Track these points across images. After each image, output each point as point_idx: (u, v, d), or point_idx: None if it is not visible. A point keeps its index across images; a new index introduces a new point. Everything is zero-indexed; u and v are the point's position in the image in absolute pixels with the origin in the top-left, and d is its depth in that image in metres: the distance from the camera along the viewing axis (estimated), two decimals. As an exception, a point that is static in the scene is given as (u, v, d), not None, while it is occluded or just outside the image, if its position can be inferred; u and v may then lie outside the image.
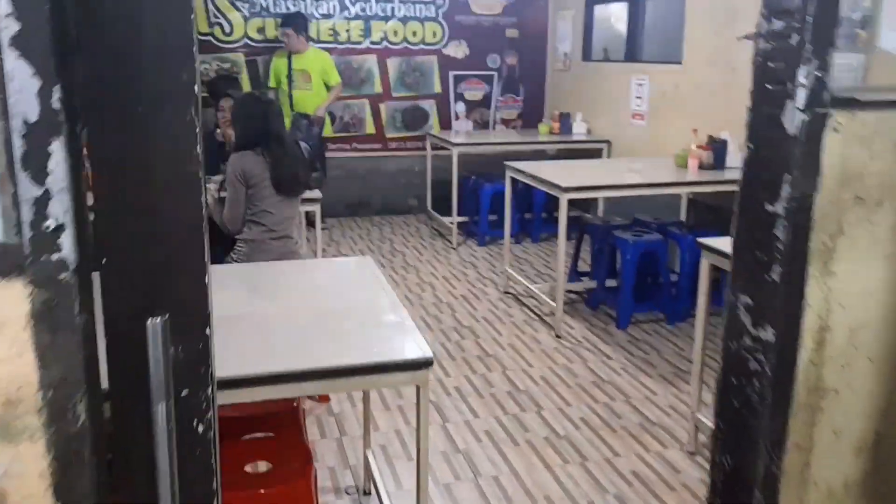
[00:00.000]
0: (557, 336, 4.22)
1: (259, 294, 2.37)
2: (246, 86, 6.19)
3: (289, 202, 3.28)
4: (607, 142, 6.14)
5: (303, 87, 5.88)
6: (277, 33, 6.09)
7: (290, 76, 5.86)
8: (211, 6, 6.14)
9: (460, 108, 7.03)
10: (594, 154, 6.24)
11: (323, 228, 6.47)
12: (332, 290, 2.41)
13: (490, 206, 6.00)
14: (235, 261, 3.17)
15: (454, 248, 5.99)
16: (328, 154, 6.74)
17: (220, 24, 6.19)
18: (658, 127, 5.48)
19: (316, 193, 3.94)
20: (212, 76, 6.06)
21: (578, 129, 6.39)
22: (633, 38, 6.05)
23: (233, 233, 3.20)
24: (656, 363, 3.91)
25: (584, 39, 6.57)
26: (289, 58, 5.87)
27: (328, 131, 6.34)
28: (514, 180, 4.81)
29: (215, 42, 6.21)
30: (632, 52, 6.06)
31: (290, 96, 5.86)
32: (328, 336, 2.00)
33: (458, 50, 6.92)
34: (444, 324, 4.38)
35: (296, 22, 5.90)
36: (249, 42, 6.30)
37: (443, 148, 6.28)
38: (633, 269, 4.34)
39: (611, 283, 4.69)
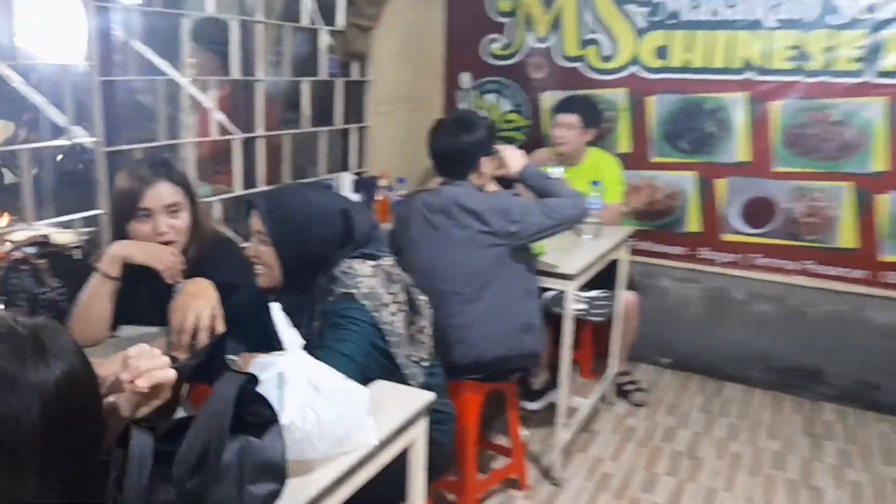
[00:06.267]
0: None
1: None
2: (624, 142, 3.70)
3: None
4: None
5: None
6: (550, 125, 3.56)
7: None
8: (588, 15, 3.85)
9: None
10: None
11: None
12: None
13: None
14: None
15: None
16: (745, 272, 3.73)
17: (597, 42, 3.85)
18: None
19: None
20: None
21: None
22: None
23: None
24: None
25: None
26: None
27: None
28: None
29: (586, 70, 3.89)
30: None
31: None
32: None
33: None
34: None
35: (589, 112, 3.48)
36: (639, 71, 3.78)
37: None
38: None
39: None
